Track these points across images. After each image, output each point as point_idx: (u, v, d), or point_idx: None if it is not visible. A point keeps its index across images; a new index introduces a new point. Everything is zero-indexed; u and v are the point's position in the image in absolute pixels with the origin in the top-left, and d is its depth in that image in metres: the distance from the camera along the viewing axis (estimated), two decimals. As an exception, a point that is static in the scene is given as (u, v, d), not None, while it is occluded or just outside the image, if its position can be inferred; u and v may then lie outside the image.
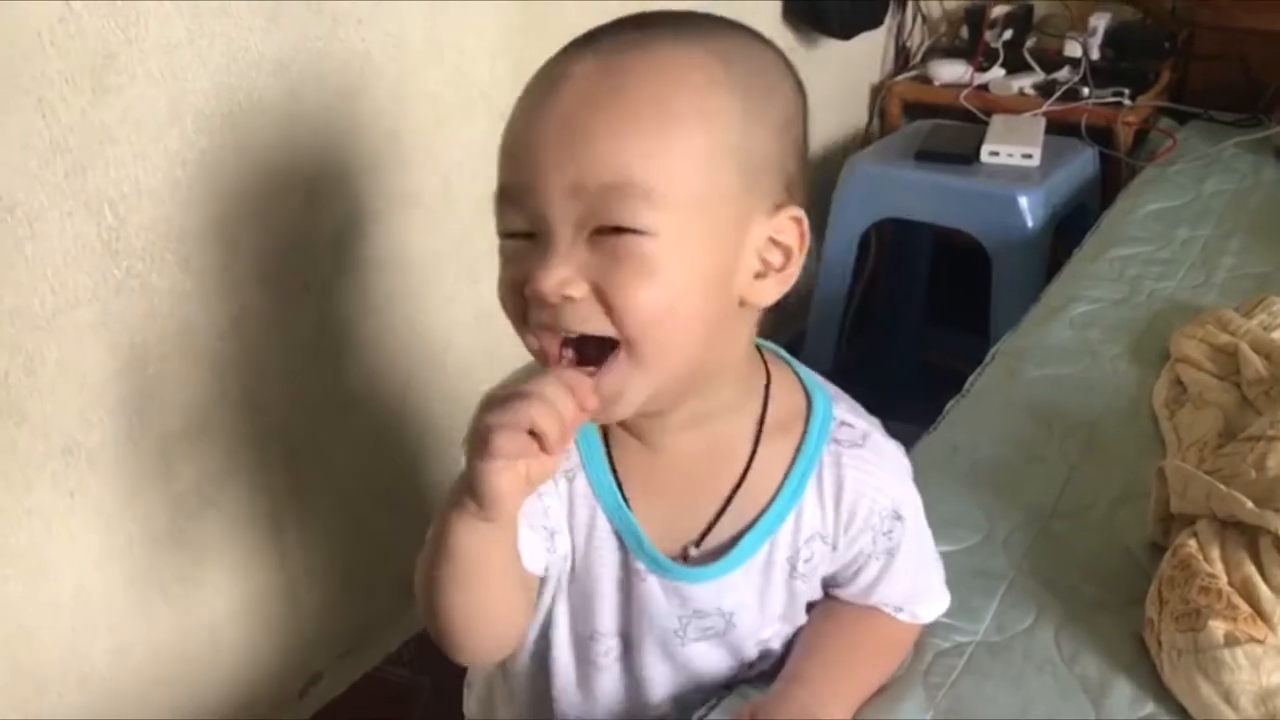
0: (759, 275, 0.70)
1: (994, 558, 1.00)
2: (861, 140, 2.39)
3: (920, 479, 1.13)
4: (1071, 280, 1.54)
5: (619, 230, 0.64)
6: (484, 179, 1.30)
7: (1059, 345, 1.37)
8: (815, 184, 2.25)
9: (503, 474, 0.63)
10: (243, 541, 1.27)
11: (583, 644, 0.82)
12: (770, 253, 0.70)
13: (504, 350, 1.57)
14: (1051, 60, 2.26)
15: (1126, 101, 2.11)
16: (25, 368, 1.02)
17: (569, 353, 0.67)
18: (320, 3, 1.19)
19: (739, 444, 0.77)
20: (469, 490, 0.65)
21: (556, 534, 0.78)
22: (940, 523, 1.04)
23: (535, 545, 0.76)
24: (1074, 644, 0.90)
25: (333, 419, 1.34)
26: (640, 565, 0.77)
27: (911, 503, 0.82)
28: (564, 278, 0.64)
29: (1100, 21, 2.23)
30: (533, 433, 0.62)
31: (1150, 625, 0.89)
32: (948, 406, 1.28)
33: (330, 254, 1.27)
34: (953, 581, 0.90)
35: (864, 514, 0.79)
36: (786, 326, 2.32)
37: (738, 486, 0.77)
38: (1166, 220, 1.70)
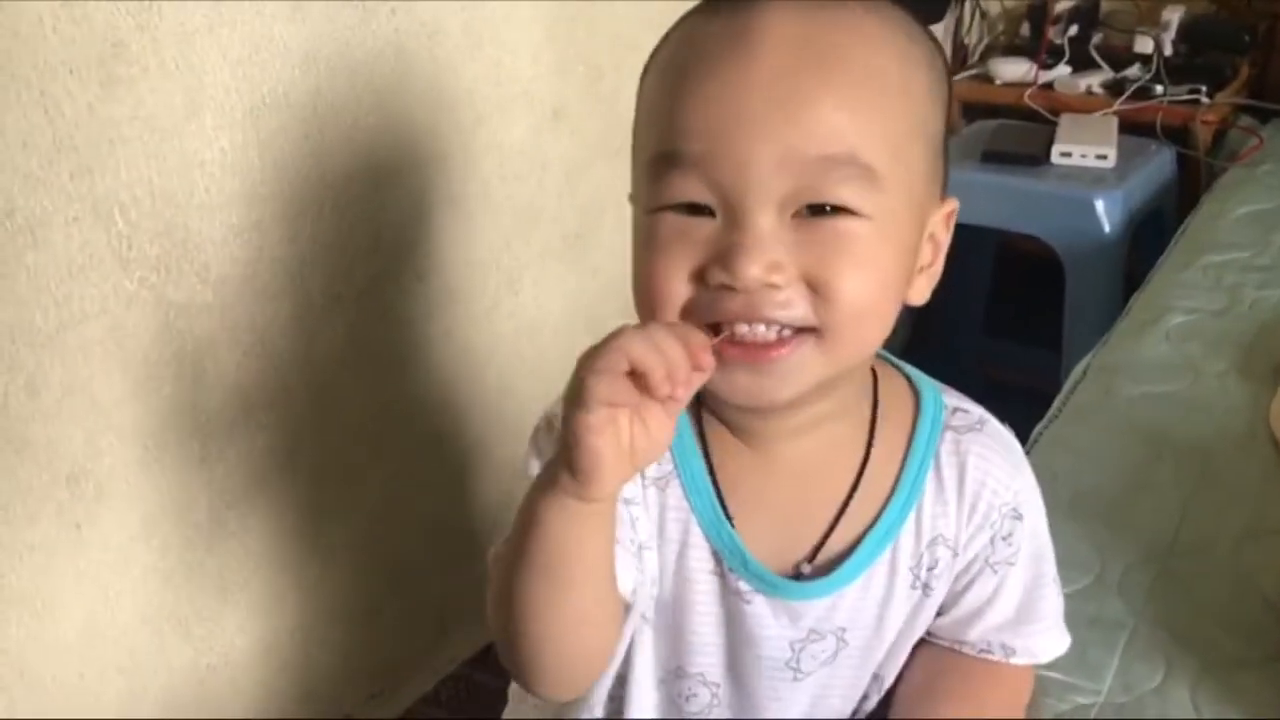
0: (919, 269, 0.64)
1: (1110, 602, 0.89)
2: (919, 143, 2.27)
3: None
4: (1163, 289, 1.42)
5: (833, 210, 0.57)
6: (527, 181, 1.18)
7: (1156, 360, 1.25)
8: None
9: (603, 432, 0.53)
10: (266, 574, 1.17)
11: (671, 685, 0.71)
12: (927, 245, 0.64)
13: (550, 365, 1.50)
14: (1120, 57, 2.13)
15: (1204, 99, 1.98)
16: (27, 389, 0.92)
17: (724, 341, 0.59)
18: (350, -11, 1.09)
19: (852, 445, 0.69)
20: (563, 461, 0.55)
21: (645, 550, 0.67)
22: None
23: (623, 561, 0.65)
24: (1214, 706, 0.78)
25: (364, 440, 1.24)
26: (744, 585, 0.67)
27: (1033, 501, 0.72)
28: (774, 260, 0.57)
29: (1173, 15, 2.10)
30: (637, 378, 0.53)
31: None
32: (1038, 429, 1.16)
33: (362, 262, 1.17)
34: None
35: (984, 508, 0.69)
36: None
37: (853, 490, 0.68)
38: (1261, 224, 1.58)
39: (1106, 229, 1.72)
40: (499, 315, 1.37)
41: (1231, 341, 1.27)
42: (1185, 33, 2.10)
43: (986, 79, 2.19)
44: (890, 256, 0.59)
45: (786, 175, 0.56)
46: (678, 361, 0.53)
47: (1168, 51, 2.08)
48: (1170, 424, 1.12)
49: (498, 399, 1.40)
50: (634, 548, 0.67)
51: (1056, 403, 1.21)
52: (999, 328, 2.37)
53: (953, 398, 0.72)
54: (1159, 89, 2.02)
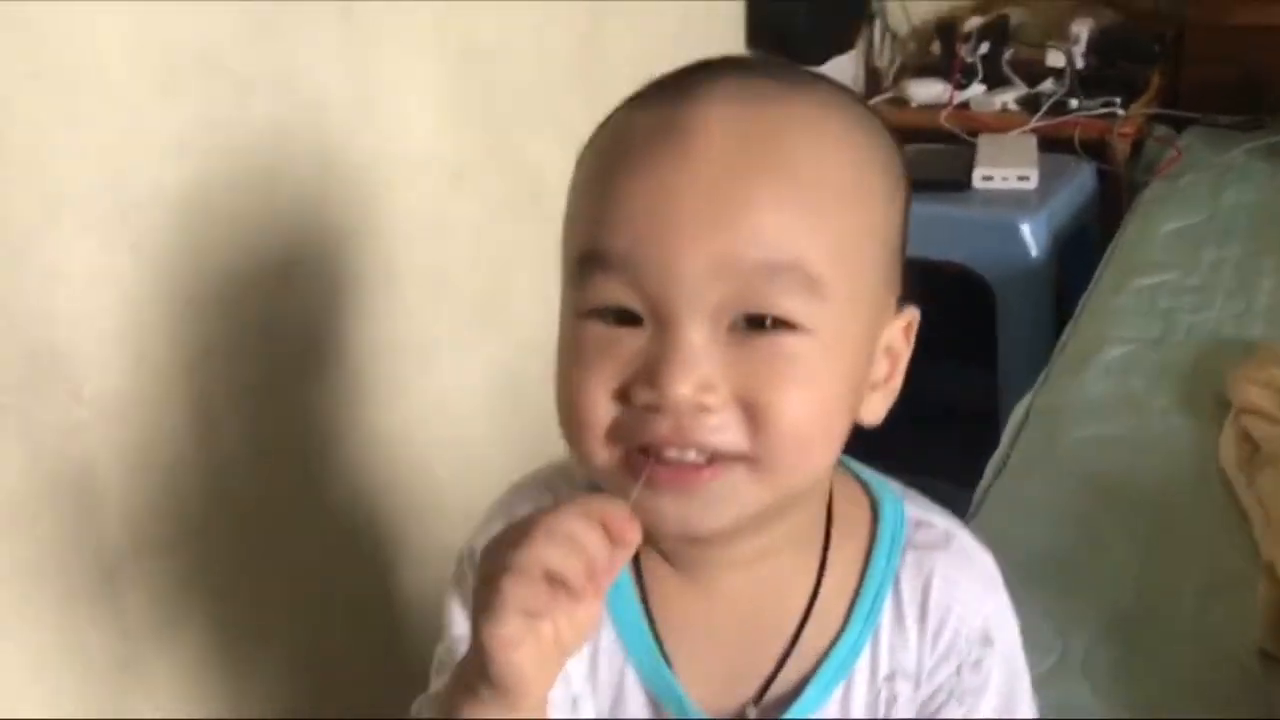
0: (873, 386, 0.58)
1: (1076, 686, 0.84)
2: (838, 170, 2.24)
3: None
4: (1097, 318, 1.38)
5: (774, 324, 0.52)
6: (432, 250, 1.10)
7: (1098, 399, 1.21)
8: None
9: (521, 644, 0.47)
10: (176, 707, 1.08)
11: None
12: (883, 359, 0.59)
13: (470, 437, 1.42)
14: (1033, 71, 2.11)
15: (1119, 111, 1.97)
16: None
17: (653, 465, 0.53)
18: (222, 68, 1.01)
19: (801, 572, 0.62)
20: (479, 673, 0.48)
21: (580, 699, 0.61)
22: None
23: (559, 709, 0.59)
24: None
25: (272, 543, 1.15)
26: None
27: (1005, 623, 0.65)
28: (705, 378, 0.51)
29: (1082, 28, 2.09)
30: (554, 579, 0.47)
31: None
32: (983, 484, 1.11)
33: (257, 357, 1.09)
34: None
35: (950, 635, 0.62)
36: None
37: (803, 623, 0.61)
38: (1188, 240, 1.55)
39: (1034, 253, 1.69)
40: (411, 393, 1.29)
41: (1172, 373, 1.24)
42: (1095, 45, 2.10)
43: (902, 102, 2.17)
44: (836, 375, 0.54)
45: (722, 283, 0.51)
46: (598, 552, 0.47)
47: (1079, 64, 2.07)
48: (1118, 470, 1.08)
49: (413, 480, 1.32)
50: (568, 703, 0.61)
51: (1000, 451, 1.16)
52: (932, 348, 2.33)
53: (916, 507, 0.65)
54: (1074, 103, 2.00)
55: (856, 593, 0.62)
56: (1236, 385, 1.14)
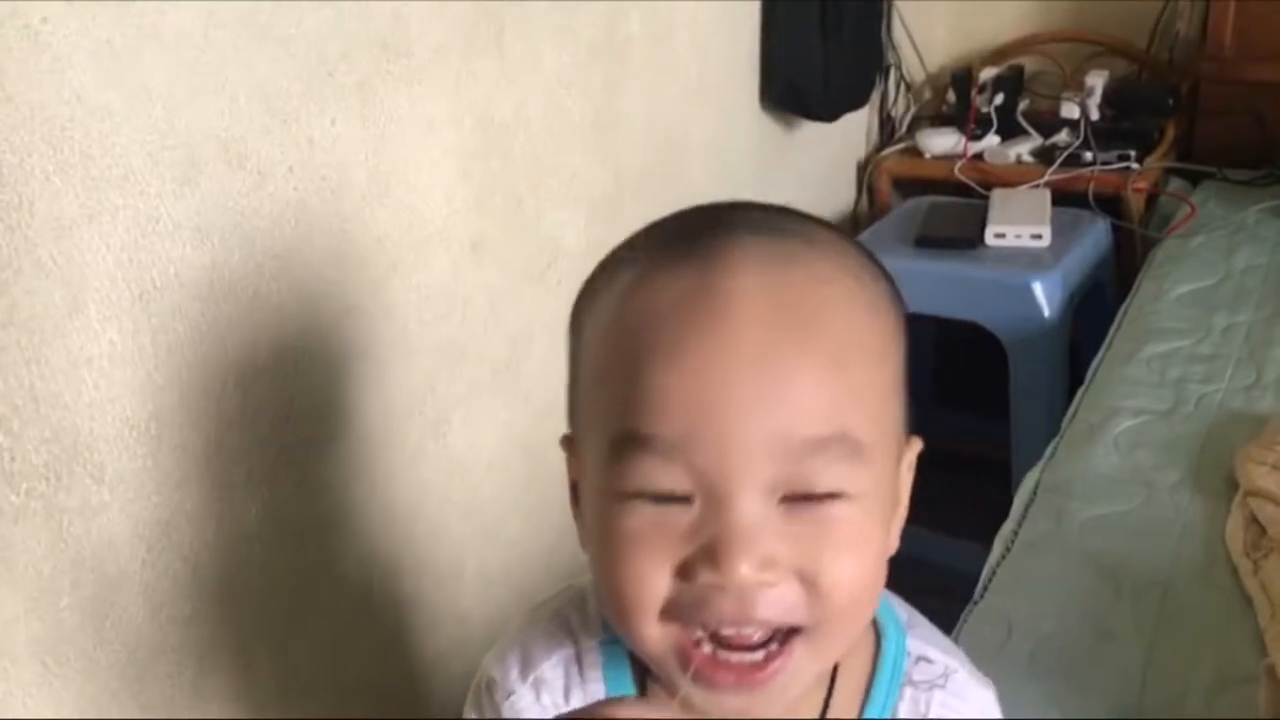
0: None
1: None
2: (850, 223, 2.24)
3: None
4: (1106, 388, 1.39)
5: (824, 496, 0.52)
6: (449, 319, 1.11)
7: (1107, 475, 1.21)
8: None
9: None
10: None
11: None
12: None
13: (485, 502, 1.44)
14: (1048, 123, 2.12)
15: (1134, 165, 1.97)
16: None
17: (708, 647, 0.53)
18: (241, 156, 1.03)
19: (809, 698, 0.61)
20: None
21: None
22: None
23: None
24: None
25: (287, 615, 1.17)
26: None
27: None
28: (768, 555, 0.51)
29: (1097, 79, 2.10)
30: None
31: None
32: (990, 562, 1.11)
33: (274, 434, 1.11)
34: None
35: None
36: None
37: None
38: (1200, 305, 1.55)
39: (1046, 313, 1.69)
40: (425, 464, 1.31)
41: (1182, 449, 1.24)
42: (1110, 97, 2.10)
43: (916, 152, 2.18)
44: (879, 531, 0.55)
45: (774, 459, 0.51)
46: None
47: (1094, 116, 2.08)
48: (1127, 553, 1.08)
49: (427, 549, 1.33)
50: None
51: (1009, 528, 1.17)
52: (948, 399, 2.34)
53: (919, 640, 0.66)
54: (1088, 155, 2.01)
55: None
56: (1243, 466, 1.15)
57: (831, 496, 0.52)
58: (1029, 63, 2.26)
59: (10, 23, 0.84)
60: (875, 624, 0.65)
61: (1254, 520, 1.08)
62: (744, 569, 0.50)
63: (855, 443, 0.52)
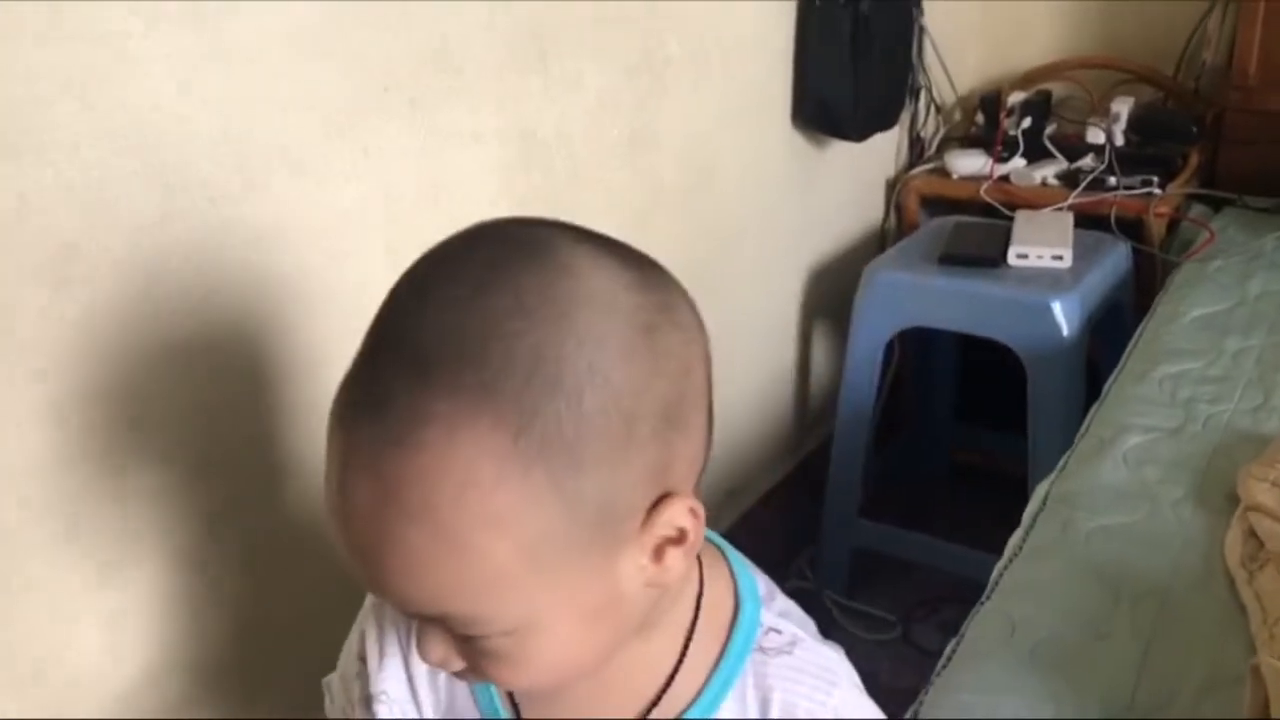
0: (657, 556, 0.61)
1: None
2: (879, 239, 2.30)
3: (979, 663, 1.04)
4: (1118, 406, 1.44)
5: (468, 636, 0.60)
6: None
7: (1114, 488, 1.26)
8: (832, 291, 2.16)
9: None
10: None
11: None
12: (652, 553, 0.61)
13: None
14: (1074, 147, 2.17)
15: (1156, 190, 2.02)
16: None
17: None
18: (301, 163, 1.11)
19: (662, 656, 0.69)
20: None
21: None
22: (1006, 723, 0.95)
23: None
24: None
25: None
26: None
27: (858, 710, 0.71)
28: (444, 658, 0.62)
29: (1123, 106, 2.15)
30: None
31: None
32: (998, 569, 1.17)
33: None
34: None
35: None
36: (812, 430, 2.22)
37: (654, 703, 0.69)
38: (1214, 328, 1.60)
39: (1065, 332, 1.74)
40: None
41: (1188, 466, 1.29)
42: (1135, 123, 2.15)
43: (943, 173, 2.23)
44: (553, 639, 0.60)
45: (418, 616, 0.61)
46: None
47: (1119, 141, 2.13)
48: (1128, 562, 1.14)
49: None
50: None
51: (1018, 535, 1.22)
52: (969, 412, 2.39)
53: (774, 611, 0.71)
54: (1112, 180, 2.06)
55: (704, 684, 0.69)
56: (1245, 482, 1.20)
57: (475, 637, 0.59)
58: (1057, 88, 2.31)
59: (97, 39, 0.92)
60: (735, 596, 0.71)
61: (1252, 534, 1.13)
62: (428, 659, 0.63)
63: (468, 617, 0.58)
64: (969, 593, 1.18)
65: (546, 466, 0.54)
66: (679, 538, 0.60)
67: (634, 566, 0.60)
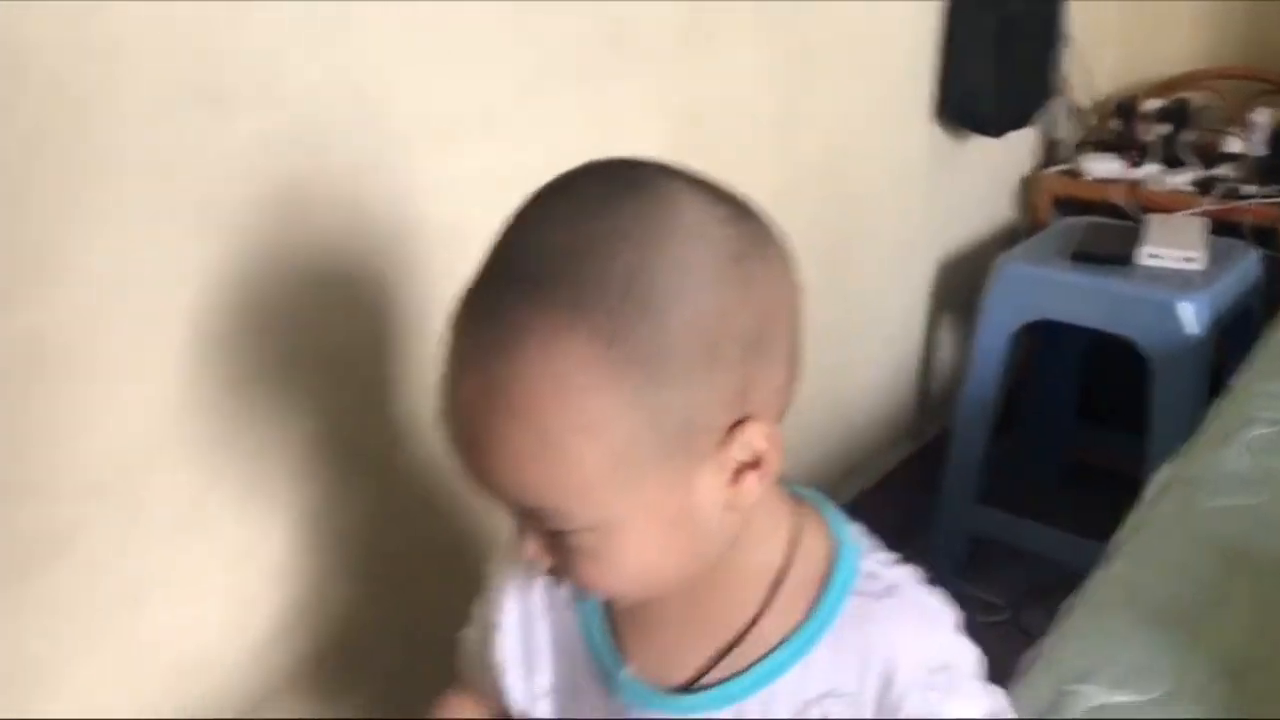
0: (735, 479, 0.65)
1: (1189, 712, 0.96)
2: (1009, 235, 2.35)
3: (1099, 616, 1.11)
4: (1244, 400, 1.48)
5: (558, 531, 0.65)
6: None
7: (1236, 474, 1.31)
8: (960, 283, 2.21)
9: None
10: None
11: None
12: (730, 475, 0.65)
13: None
14: (1210, 156, 2.19)
15: (1291, 201, 2.04)
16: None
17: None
18: (493, 123, 1.22)
19: (750, 594, 0.72)
20: None
21: (537, 673, 0.79)
22: (1121, 671, 1.02)
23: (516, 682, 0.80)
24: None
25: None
26: (622, 702, 0.74)
27: (963, 656, 0.72)
28: (537, 552, 0.67)
29: (1261, 117, 2.16)
30: None
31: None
32: (1115, 539, 1.23)
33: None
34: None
35: (906, 673, 0.69)
36: (933, 419, 2.28)
37: (740, 637, 0.72)
38: (1343, 334, 1.63)
39: (1191, 331, 1.78)
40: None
41: (1314, 459, 1.33)
42: (1273, 136, 2.16)
43: (1077, 174, 2.27)
44: (632, 543, 0.64)
45: (515, 509, 0.66)
46: None
47: (1256, 152, 2.14)
48: (1248, 539, 1.19)
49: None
50: (524, 670, 0.79)
51: (1138, 512, 1.28)
52: (1090, 410, 2.41)
53: (873, 560, 0.73)
54: (1247, 189, 2.08)
55: (796, 629, 0.71)
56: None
57: (565, 531, 0.64)
58: (1195, 96, 2.32)
59: (325, 6, 1.05)
60: (832, 545, 0.73)
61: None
62: (524, 555, 0.68)
63: (558, 509, 0.62)
64: (1079, 584, 1.23)
65: (635, 378, 0.59)
66: (756, 462, 0.64)
67: (712, 484, 0.64)
